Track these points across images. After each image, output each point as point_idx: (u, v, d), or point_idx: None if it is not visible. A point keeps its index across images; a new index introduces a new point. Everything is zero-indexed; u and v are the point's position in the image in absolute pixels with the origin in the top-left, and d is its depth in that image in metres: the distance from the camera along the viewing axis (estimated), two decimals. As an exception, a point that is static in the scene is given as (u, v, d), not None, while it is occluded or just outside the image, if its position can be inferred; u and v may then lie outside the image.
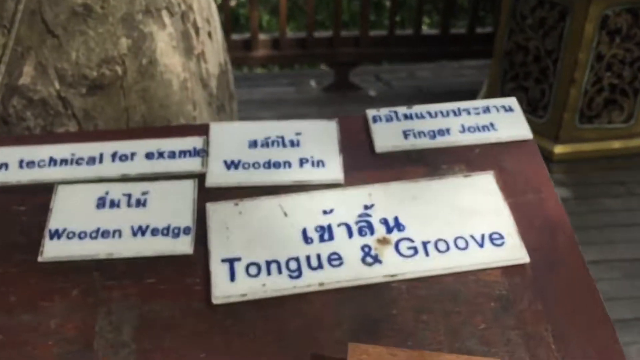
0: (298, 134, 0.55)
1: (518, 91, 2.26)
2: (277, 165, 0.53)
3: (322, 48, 2.58)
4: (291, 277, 0.46)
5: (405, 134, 0.55)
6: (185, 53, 0.80)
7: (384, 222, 0.49)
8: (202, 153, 0.54)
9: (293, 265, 0.47)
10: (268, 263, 0.47)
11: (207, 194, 0.52)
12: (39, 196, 0.51)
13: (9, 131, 0.70)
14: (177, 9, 0.78)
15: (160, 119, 0.77)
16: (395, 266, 0.47)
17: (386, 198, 0.51)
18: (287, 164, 0.53)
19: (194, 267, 0.48)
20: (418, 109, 0.57)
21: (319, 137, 0.55)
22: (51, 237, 0.48)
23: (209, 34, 0.86)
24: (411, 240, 0.48)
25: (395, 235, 0.49)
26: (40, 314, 0.45)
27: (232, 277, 0.46)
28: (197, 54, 0.82)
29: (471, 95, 2.57)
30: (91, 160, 0.53)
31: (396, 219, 0.49)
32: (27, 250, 0.48)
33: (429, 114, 0.57)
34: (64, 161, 0.52)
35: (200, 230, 0.50)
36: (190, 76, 0.81)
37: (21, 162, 0.52)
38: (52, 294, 0.46)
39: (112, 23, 0.70)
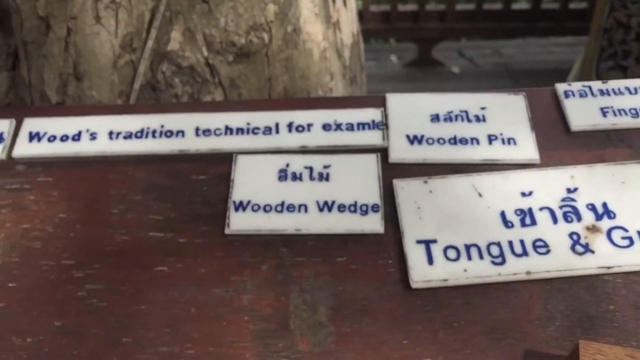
0: (483, 108, 0.51)
1: (615, 70, 2.12)
2: (463, 141, 0.49)
3: (406, 22, 2.49)
4: (494, 263, 0.43)
5: (604, 112, 0.50)
6: (325, 21, 0.77)
7: (592, 208, 0.45)
8: (382, 126, 0.50)
9: (495, 250, 0.43)
10: (467, 247, 0.43)
11: (390, 170, 0.49)
12: (218, 165, 0.49)
13: (156, 97, 0.69)
14: (320, -25, 0.75)
15: (301, 90, 0.75)
16: (609, 257, 0.43)
17: (591, 181, 0.46)
18: (475, 140, 0.49)
19: (386, 247, 0.45)
20: (614, 84, 0.52)
21: (507, 112, 0.51)
22: (236, 209, 0.46)
23: (344, 2, 0.82)
24: (625, 230, 0.44)
25: (605, 223, 0.44)
26: (232, 288, 0.43)
27: (430, 260, 0.43)
28: (333, 23, 0.79)
29: (560, 74, 2.44)
30: (267, 130, 0.50)
31: (605, 205, 0.45)
32: (211, 221, 0.47)
33: (628, 90, 0.51)
34: (240, 130, 0.50)
35: (388, 208, 0.47)
36: (329, 46, 0.77)
37: (197, 129, 0.51)
38: (242, 268, 0.44)
39: (261, -12, 0.68)
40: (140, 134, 0.50)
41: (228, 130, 0.50)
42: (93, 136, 0.50)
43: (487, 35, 2.78)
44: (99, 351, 0.41)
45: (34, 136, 0.50)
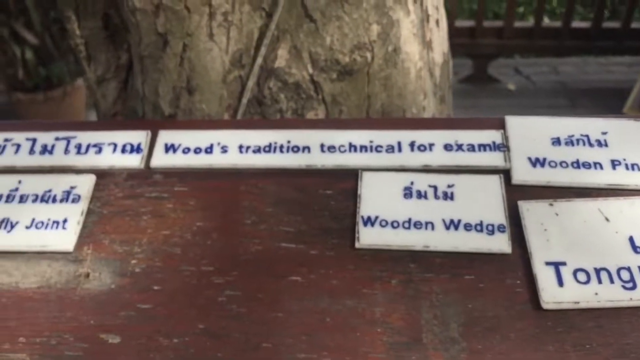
0: (604, 133, 0.52)
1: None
2: (586, 165, 0.50)
3: (462, 38, 2.49)
4: (625, 287, 0.43)
5: None
6: (421, 41, 0.78)
7: None
8: (503, 148, 0.51)
9: (625, 275, 0.44)
10: (597, 271, 0.44)
11: (513, 191, 0.50)
12: (343, 181, 0.51)
13: (262, 112, 0.72)
14: (419, -5, 0.77)
15: (397, 108, 0.77)
16: None
17: None
18: (598, 164, 0.50)
19: (513, 267, 0.46)
20: None
21: (629, 138, 0.51)
22: (365, 224, 0.48)
23: (437, 22, 0.84)
24: None
25: None
26: (363, 301, 0.45)
27: (560, 282, 0.44)
28: (426, 42, 0.81)
29: (619, 93, 2.39)
30: (390, 149, 0.52)
31: None
32: (340, 235, 0.49)
33: None
34: (363, 147, 0.52)
35: (513, 229, 0.48)
36: (424, 65, 0.79)
37: (322, 146, 0.53)
38: (372, 281, 0.46)
39: (365, 9, 0.70)
40: (268, 148, 0.53)
41: (352, 147, 0.52)
42: (224, 149, 0.53)
43: (545, 52, 2.76)
44: (240, 355, 0.43)
45: (169, 148, 0.53)
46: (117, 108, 0.82)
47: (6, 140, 0.54)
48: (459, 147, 0.52)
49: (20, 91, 2.32)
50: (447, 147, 0.52)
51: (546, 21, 2.57)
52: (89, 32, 0.79)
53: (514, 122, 0.53)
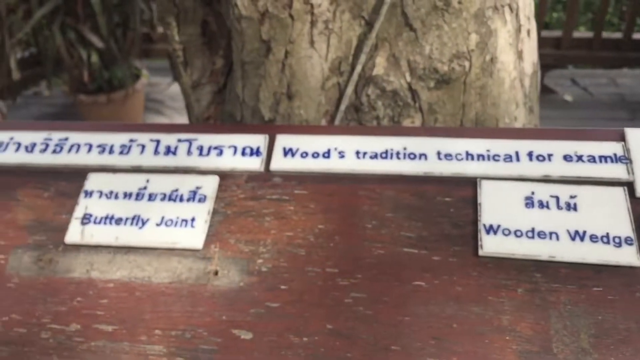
0: None
1: None
2: None
3: (519, 48, 2.46)
4: None
5: None
6: (516, 51, 0.78)
7: None
8: (625, 160, 0.51)
9: None
10: None
11: (638, 203, 0.50)
12: (462, 189, 0.52)
13: (358, 118, 0.73)
14: (515, 5, 0.76)
15: (490, 117, 0.77)
16: None
17: None
18: None
19: (642, 280, 0.46)
20: None
21: None
22: (487, 232, 0.48)
23: (528, 32, 0.84)
24: None
25: None
26: (490, 308, 0.45)
27: (695, 297, 0.43)
28: (519, 52, 0.81)
29: (680, 106, 2.33)
30: (508, 158, 0.52)
31: None
32: (461, 242, 0.49)
33: None
34: (480, 156, 0.53)
35: (640, 242, 0.48)
36: (517, 75, 0.79)
37: (439, 153, 0.54)
38: (497, 289, 0.46)
39: (465, 18, 0.71)
40: (385, 154, 0.54)
41: (469, 156, 0.53)
42: (341, 154, 0.54)
43: (604, 64, 2.70)
44: (370, 356, 0.44)
45: (288, 152, 0.55)
46: (210, 112, 0.85)
47: (131, 140, 0.57)
48: (579, 158, 0.52)
49: (83, 93, 2.40)
50: (567, 158, 0.52)
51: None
52: (187, 38, 0.82)
53: (633, 135, 0.53)
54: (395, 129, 0.61)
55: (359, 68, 0.71)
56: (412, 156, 0.53)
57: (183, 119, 2.63)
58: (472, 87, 0.73)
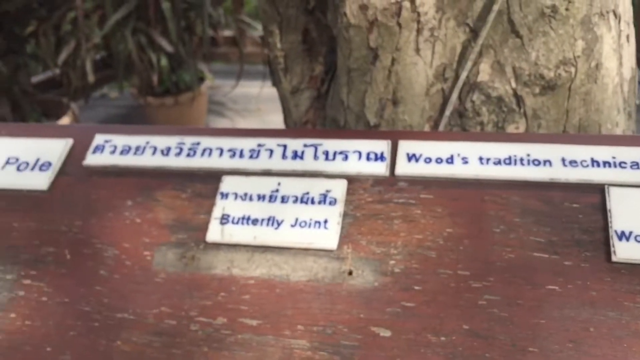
0: None
1: None
2: None
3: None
4: None
5: None
6: (619, 56, 0.78)
7: None
8: None
9: None
10: None
11: None
12: (589, 195, 0.53)
13: (462, 124, 0.74)
14: (618, 11, 0.76)
15: (593, 123, 0.77)
16: None
17: None
18: None
19: None
20: None
21: None
22: (619, 238, 0.49)
23: (627, 38, 0.83)
24: None
25: None
26: (626, 313, 0.46)
27: None
28: (620, 57, 0.80)
29: None
30: (635, 165, 0.53)
31: None
32: (593, 248, 0.50)
33: None
34: (606, 163, 0.54)
35: None
36: (619, 81, 0.79)
37: (563, 160, 0.55)
38: (633, 295, 0.47)
39: (572, 25, 0.71)
40: (509, 160, 0.55)
41: (594, 162, 0.54)
42: (465, 160, 0.56)
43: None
44: (508, 357, 0.46)
45: (411, 157, 0.57)
46: (308, 116, 0.88)
47: (259, 145, 0.60)
48: None
49: (151, 95, 2.49)
50: (696, 166, 0.52)
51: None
52: (288, 46, 0.85)
53: None
54: (517, 136, 0.62)
55: (464, 75, 0.72)
56: (536, 162, 0.55)
57: (244, 121, 2.69)
58: (576, 93, 0.74)
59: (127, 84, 2.60)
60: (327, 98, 0.84)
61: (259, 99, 2.74)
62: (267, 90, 2.71)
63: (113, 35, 2.27)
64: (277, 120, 2.69)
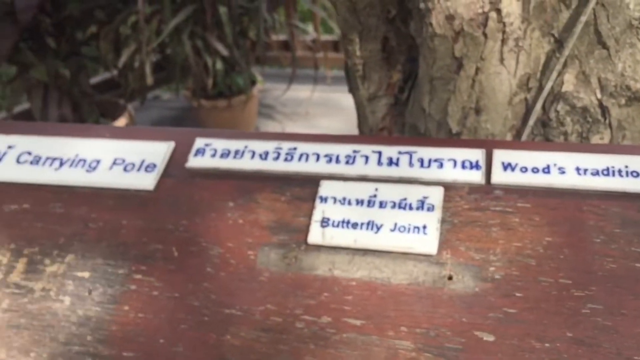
0: None
1: None
2: None
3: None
4: None
5: None
6: None
7: None
8: None
9: None
10: None
11: None
12: (691, 208, 0.53)
13: (545, 134, 0.75)
14: None
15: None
16: None
17: None
18: None
19: None
20: None
21: None
22: None
23: None
24: None
25: None
26: None
27: None
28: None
29: None
30: None
31: None
32: (696, 261, 0.51)
33: None
34: None
35: None
36: None
37: None
38: None
39: (659, 36, 0.71)
40: (607, 172, 0.56)
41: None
42: (562, 170, 0.57)
43: None
44: (614, 365, 0.47)
45: (507, 166, 0.58)
46: (385, 123, 0.90)
47: (355, 151, 0.62)
48: None
49: (204, 97, 2.55)
50: None
51: None
52: (367, 54, 0.87)
53: None
54: (613, 147, 0.63)
55: (549, 85, 0.73)
56: (634, 174, 0.55)
57: (293, 124, 2.73)
58: (662, 105, 0.74)
59: (181, 86, 2.66)
60: (407, 105, 0.85)
61: (308, 103, 2.77)
62: (316, 94, 2.75)
63: (170, 39, 2.33)
64: (325, 125, 2.73)
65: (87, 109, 2.45)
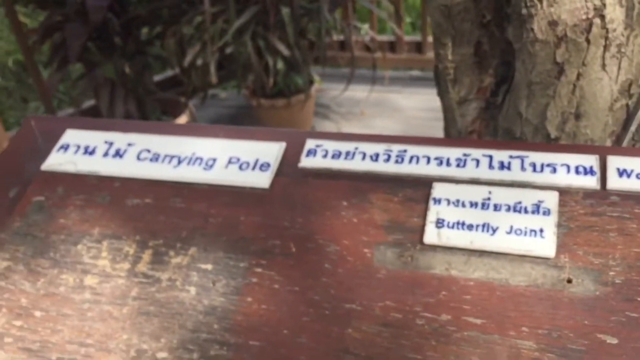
0: None
1: None
2: None
3: None
4: None
5: None
6: None
7: None
8: None
9: None
10: None
11: None
12: None
13: (646, 140, 0.75)
14: None
15: None
16: None
17: None
18: None
19: None
20: None
21: None
22: None
23: None
24: None
25: None
26: None
27: None
28: None
29: None
30: None
31: None
32: None
33: None
34: None
35: None
36: None
37: None
38: None
39: None
40: None
41: None
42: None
43: None
44: None
45: (622, 172, 0.59)
46: (475, 126, 0.91)
47: (465, 155, 0.64)
48: None
49: (262, 97, 2.60)
50: None
51: None
52: (459, 58, 0.88)
53: None
54: None
55: (651, 91, 0.73)
56: None
57: (349, 124, 2.75)
58: None
59: (232, 84, 2.72)
60: (500, 109, 0.86)
61: (364, 104, 2.79)
62: (373, 95, 2.76)
63: (233, 39, 2.39)
64: (381, 125, 2.74)
65: (150, 106, 2.53)
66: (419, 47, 2.88)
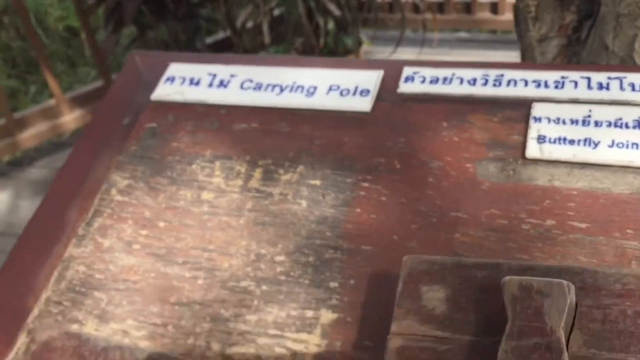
0: None
1: None
2: None
3: None
4: None
5: None
6: None
7: None
8: None
9: None
10: None
11: None
12: None
13: None
14: None
15: None
16: None
17: None
18: None
19: None
20: None
21: None
22: None
23: None
24: None
25: None
26: None
27: None
28: None
29: None
30: None
31: None
32: None
33: None
34: None
35: None
36: None
37: None
38: None
39: None
40: None
41: None
42: None
43: None
44: None
45: None
46: (555, 64, 0.92)
47: (562, 77, 0.66)
48: None
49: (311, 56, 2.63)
50: None
51: None
52: (542, -6, 0.90)
53: None
54: None
55: None
56: None
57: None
58: None
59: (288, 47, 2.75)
60: (585, 44, 0.88)
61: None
62: (421, 57, 2.76)
63: (284, 1, 2.42)
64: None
65: (203, 69, 2.58)
66: (467, 7, 2.86)
